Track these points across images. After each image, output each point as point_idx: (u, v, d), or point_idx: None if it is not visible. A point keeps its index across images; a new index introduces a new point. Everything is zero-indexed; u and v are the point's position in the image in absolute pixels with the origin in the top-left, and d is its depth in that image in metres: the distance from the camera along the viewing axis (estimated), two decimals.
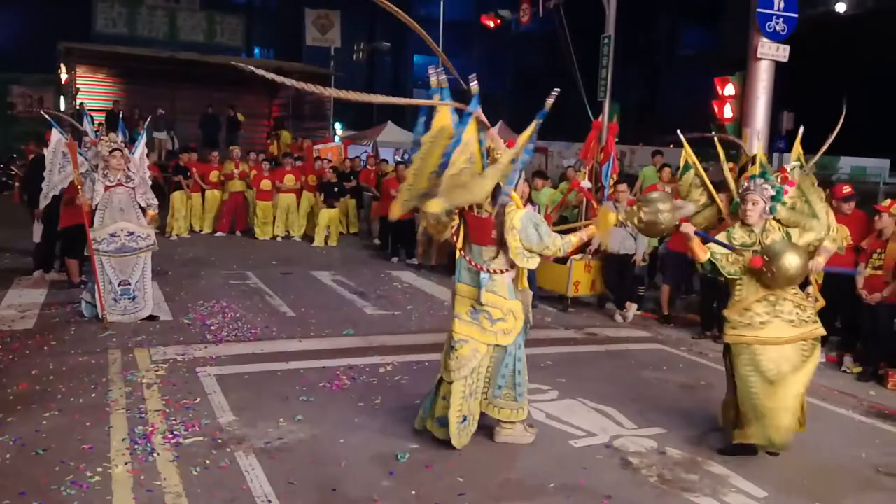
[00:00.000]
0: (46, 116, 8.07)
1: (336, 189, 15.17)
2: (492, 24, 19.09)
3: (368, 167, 16.86)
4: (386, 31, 34.75)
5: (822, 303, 7.57)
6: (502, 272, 5.01)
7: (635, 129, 16.25)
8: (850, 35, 25.11)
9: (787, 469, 5.15)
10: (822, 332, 5.31)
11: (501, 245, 4.97)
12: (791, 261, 4.94)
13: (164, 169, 16.41)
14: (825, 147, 6.19)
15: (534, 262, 4.97)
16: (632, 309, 9.65)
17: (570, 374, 6.99)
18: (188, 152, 16.13)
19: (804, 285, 7.01)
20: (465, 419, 5.04)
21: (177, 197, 14.87)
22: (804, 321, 5.29)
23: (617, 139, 11.35)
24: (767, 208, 5.25)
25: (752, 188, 5.25)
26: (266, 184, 15.13)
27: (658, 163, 12.95)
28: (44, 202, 8.24)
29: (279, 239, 15.23)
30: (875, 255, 7.46)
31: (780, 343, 5.15)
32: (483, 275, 4.95)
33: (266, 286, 10.34)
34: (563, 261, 10.05)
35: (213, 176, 15.38)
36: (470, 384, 5.03)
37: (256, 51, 34.39)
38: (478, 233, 5.04)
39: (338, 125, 24.50)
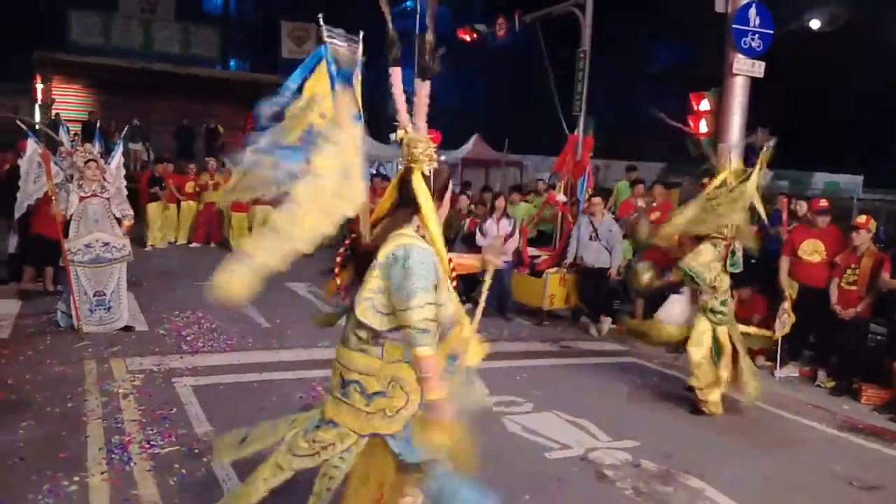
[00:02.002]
0: (22, 126, 8.03)
1: None
2: (468, 38, 19.23)
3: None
4: (363, 44, 34.73)
5: (793, 318, 7.75)
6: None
7: (608, 145, 16.41)
8: (824, 51, 25.55)
9: (761, 482, 5.24)
10: None
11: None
12: None
13: (133, 180, 16.31)
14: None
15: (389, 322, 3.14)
16: (606, 322, 9.75)
17: (546, 387, 7.05)
18: (163, 163, 16.07)
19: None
20: None
21: (152, 208, 14.80)
22: None
23: (591, 154, 11.49)
24: None
25: None
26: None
27: (632, 178, 13.10)
28: (18, 212, 8.18)
29: None
30: (849, 271, 7.59)
31: None
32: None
33: None
34: (538, 274, 10.16)
35: (189, 187, 15.34)
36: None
37: (232, 62, 34.23)
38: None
39: None
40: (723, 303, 6.65)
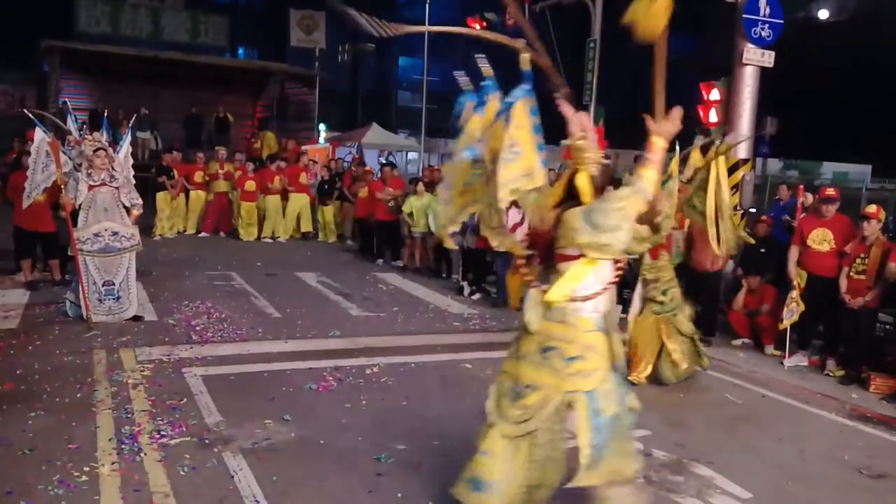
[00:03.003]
0: (30, 115, 8.01)
1: (327, 188, 15.57)
2: (478, 27, 19.16)
3: (353, 169, 16.89)
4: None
5: (801, 307, 7.73)
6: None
7: (619, 134, 16.37)
8: (832, 41, 25.37)
9: (771, 471, 5.21)
10: None
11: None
12: None
13: (146, 169, 16.35)
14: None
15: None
16: (616, 312, 9.71)
17: None
18: (171, 153, 16.07)
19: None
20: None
21: (161, 197, 14.82)
22: None
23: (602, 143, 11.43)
24: None
25: None
26: (251, 185, 15.12)
27: None
28: (27, 201, 8.17)
29: (270, 240, 15.32)
30: (858, 260, 7.53)
31: None
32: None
33: (251, 287, 10.32)
34: None
35: (198, 176, 15.36)
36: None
37: (241, 51, 34.23)
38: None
39: (322, 126, 24.45)
40: (664, 292, 6.98)
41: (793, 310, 7.77)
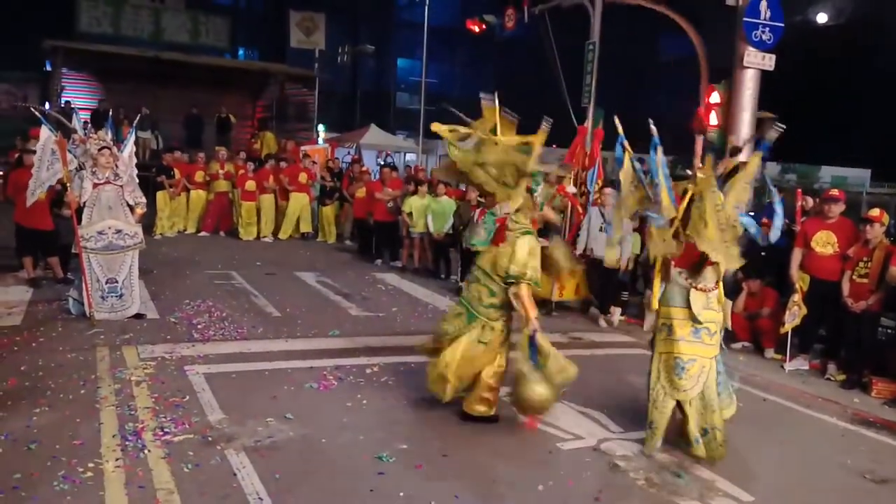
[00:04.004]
0: (36, 113, 8.05)
1: (328, 188, 15.69)
2: (477, 29, 19.22)
3: (351, 169, 16.93)
4: (370, 34, 34.81)
5: (804, 311, 7.74)
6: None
7: (615, 136, 16.44)
8: (830, 45, 25.44)
9: (773, 475, 5.25)
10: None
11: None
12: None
13: (146, 168, 16.38)
14: None
15: None
16: (616, 314, 9.75)
17: None
18: (172, 152, 16.11)
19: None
20: (705, 432, 5.23)
21: (160, 197, 14.85)
22: None
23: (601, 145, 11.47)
24: None
25: None
26: (251, 184, 15.20)
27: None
28: (31, 199, 8.21)
29: (267, 239, 15.39)
30: (861, 264, 7.54)
31: None
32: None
33: (251, 286, 10.35)
34: None
35: (199, 176, 15.40)
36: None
37: (241, 52, 34.26)
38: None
39: (321, 127, 24.48)
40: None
41: (795, 313, 7.78)
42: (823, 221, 8.01)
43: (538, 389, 5.31)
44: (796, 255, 8.07)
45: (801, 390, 7.40)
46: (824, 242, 7.86)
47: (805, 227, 8.17)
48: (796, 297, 7.77)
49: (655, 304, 5.42)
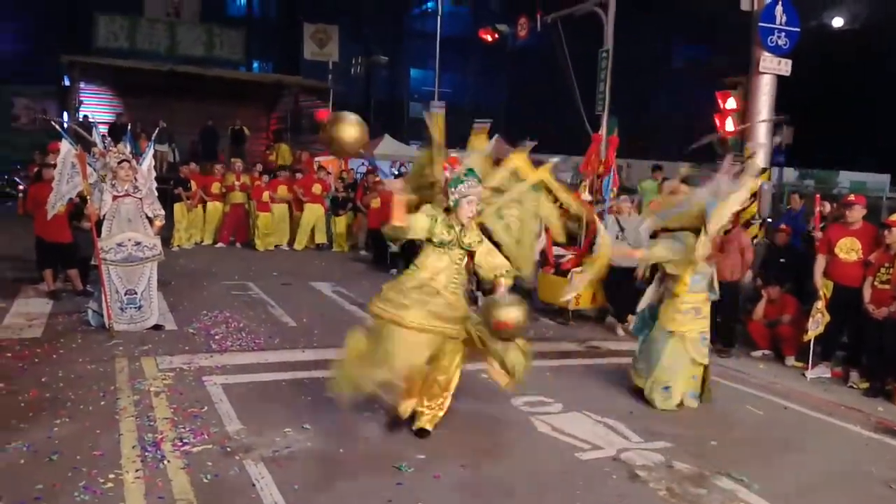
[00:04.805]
0: (57, 127, 8.14)
1: (340, 199, 15.80)
2: (489, 38, 19.26)
3: (366, 180, 16.97)
4: (383, 45, 35.00)
5: (827, 318, 7.65)
6: None
7: (629, 143, 16.38)
8: (846, 49, 25.31)
9: (796, 484, 5.19)
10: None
11: None
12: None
13: (164, 181, 16.50)
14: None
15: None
16: (633, 322, 9.67)
17: (574, 387, 7.03)
18: (189, 164, 16.23)
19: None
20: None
21: (178, 209, 14.94)
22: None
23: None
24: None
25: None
26: (267, 196, 15.29)
27: (659, 178, 13.03)
28: (52, 212, 8.30)
29: (283, 248, 15.53)
30: (883, 270, 7.46)
31: None
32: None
33: (268, 297, 10.38)
34: (563, 273, 10.12)
35: (215, 188, 15.48)
36: None
37: (255, 64, 34.52)
38: None
39: None
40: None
41: (818, 321, 7.70)
42: (847, 228, 7.93)
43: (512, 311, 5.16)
44: (820, 262, 7.99)
45: (824, 398, 7.32)
46: (848, 249, 7.78)
47: (828, 233, 8.10)
48: (819, 305, 7.70)
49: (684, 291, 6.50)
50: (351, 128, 5.15)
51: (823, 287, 7.89)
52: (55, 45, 21.58)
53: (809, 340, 7.87)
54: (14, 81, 24.19)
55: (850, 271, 7.76)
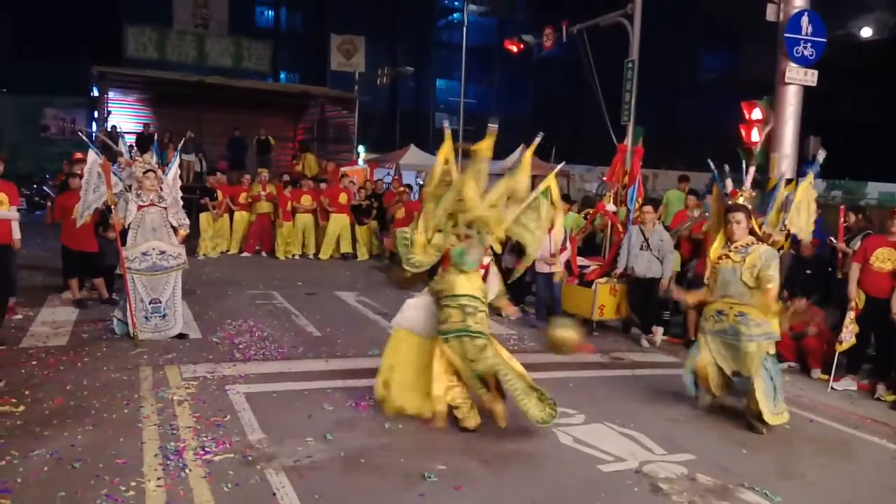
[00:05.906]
0: (84, 137, 8.26)
1: (365, 208, 16.03)
2: (515, 49, 19.26)
3: (392, 190, 17.05)
4: (409, 55, 35.17)
5: (856, 329, 7.53)
6: None
7: (656, 153, 16.29)
8: (874, 59, 25.01)
9: (820, 497, 5.11)
10: None
11: None
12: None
13: (191, 191, 16.67)
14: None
15: None
16: (658, 333, 9.61)
17: (597, 398, 6.98)
18: (216, 174, 16.41)
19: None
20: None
21: (203, 218, 15.10)
22: None
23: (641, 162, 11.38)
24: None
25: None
26: (290, 205, 15.47)
27: (685, 188, 12.92)
28: (80, 221, 8.41)
29: (309, 257, 15.71)
30: None
31: None
32: None
33: (292, 306, 10.43)
34: (587, 284, 10.07)
35: (242, 198, 15.63)
36: None
37: (283, 75, 34.84)
38: None
39: (361, 148, 24.69)
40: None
41: (851, 331, 7.60)
42: (887, 238, 7.80)
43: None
44: (854, 271, 7.82)
45: (850, 411, 7.21)
46: (884, 258, 7.63)
47: (866, 242, 7.96)
48: (852, 315, 7.58)
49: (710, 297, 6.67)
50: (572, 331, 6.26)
51: (857, 297, 7.75)
52: (85, 56, 21.91)
53: (835, 353, 7.75)
54: (44, 92, 24.64)
55: (882, 282, 7.62)
